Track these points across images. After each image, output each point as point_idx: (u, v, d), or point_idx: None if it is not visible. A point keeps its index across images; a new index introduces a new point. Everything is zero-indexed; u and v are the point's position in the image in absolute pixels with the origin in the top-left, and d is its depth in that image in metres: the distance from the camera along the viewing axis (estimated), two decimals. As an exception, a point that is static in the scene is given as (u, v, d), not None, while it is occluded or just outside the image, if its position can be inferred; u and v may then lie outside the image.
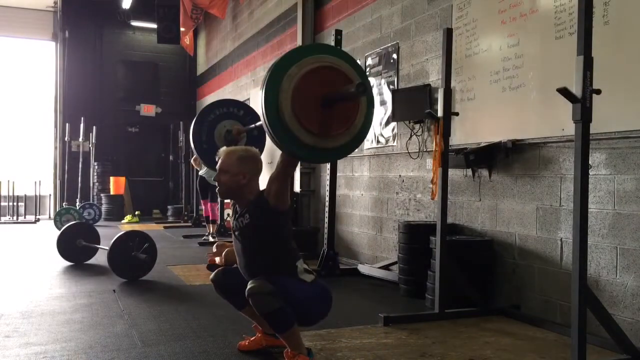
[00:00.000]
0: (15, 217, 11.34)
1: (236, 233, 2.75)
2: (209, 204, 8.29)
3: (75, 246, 5.79)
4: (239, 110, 5.24)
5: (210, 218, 8.27)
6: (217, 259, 5.75)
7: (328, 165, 5.48)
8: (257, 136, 5.10)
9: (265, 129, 2.42)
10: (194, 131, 5.07)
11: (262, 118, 2.44)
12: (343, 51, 2.75)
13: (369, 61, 5.80)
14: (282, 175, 2.57)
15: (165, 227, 10.08)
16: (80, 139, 11.68)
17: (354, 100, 2.45)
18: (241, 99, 9.99)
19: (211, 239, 8.01)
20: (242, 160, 2.70)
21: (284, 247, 2.67)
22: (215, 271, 2.91)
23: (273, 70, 2.39)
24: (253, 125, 4.90)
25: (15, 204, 11.43)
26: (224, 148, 2.83)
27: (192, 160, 9.02)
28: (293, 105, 2.33)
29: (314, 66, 2.40)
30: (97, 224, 9.58)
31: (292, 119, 2.34)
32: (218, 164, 2.74)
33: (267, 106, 2.35)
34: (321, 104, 2.39)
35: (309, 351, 2.66)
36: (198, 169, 8.78)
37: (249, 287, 2.51)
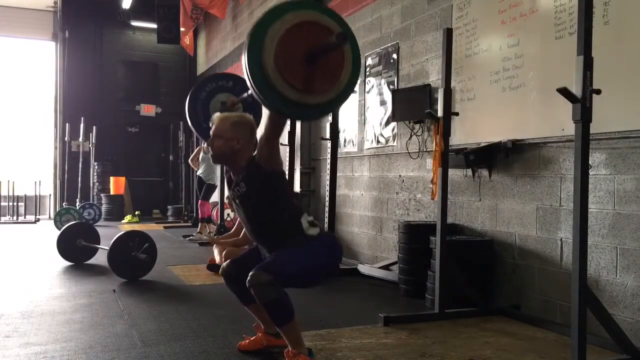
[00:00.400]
0: (15, 217, 11.34)
1: (236, 201, 2.74)
2: (207, 204, 8.38)
3: (75, 246, 5.78)
4: (228, 81, 5.22)
5: (201, 216, 8.32)
6: (217, 259, 5.76)
7: (328, 165, 5.48)
8: (252, 104, 5.08)
9: (250, 86, 2.39)
10: (190, 113, 5.05)
11: (246, 75, 2.40)
12: (326, 7, 2.69)
13: (369, 61, 5.80)
14: (270, 137, 2.56)
15: (165, 227, 10.08)
16: (80, 139, 11.68)
17: (336, 52, 2.42)
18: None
19: (194, 236, 8.10)
20: (235, 125, 2.70)
21: (285, 207, 2.68)
22: (226, 263, 2.88)
23: (255, 28, 2.38)
24: (246, 94, 4.87)
25: (15, 204, 11.43)
26: (217, 114, 2.80)
27: (190, 161, 9.02)
28: (276, 61, 2.31)
29: (296, 22, 2.38)
30: (97, 224, 9.58)
31: (276, 74, 2.31)
32: (212, 130, 2.73)
33: (250, 63, 2.32)
34: (305, 60, 2.37)
35: (310, 351, 2.66)
36: (196, 169, 8.81)
37: (248, 279, 2.51)
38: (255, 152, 2.68)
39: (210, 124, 2.80)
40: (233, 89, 5.05)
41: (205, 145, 8.24)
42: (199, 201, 8.42)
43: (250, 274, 2.52)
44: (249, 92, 4.43)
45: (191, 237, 8.06)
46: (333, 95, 2.47)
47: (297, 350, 2.60)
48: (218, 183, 8.46)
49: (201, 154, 8.45)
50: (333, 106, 2.59)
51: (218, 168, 8.31)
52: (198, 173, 8.48)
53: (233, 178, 2.76)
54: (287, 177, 2.81)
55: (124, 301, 4.12)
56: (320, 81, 2.41)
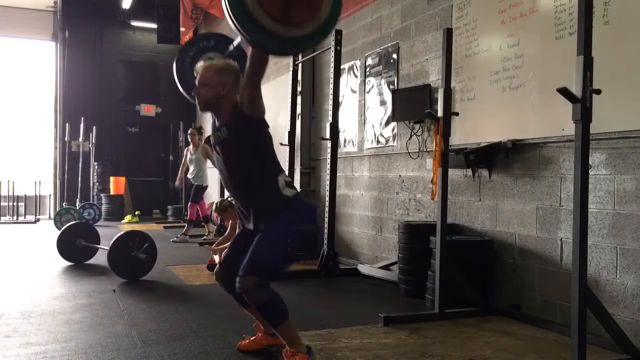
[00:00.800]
0: (15, 217, 11.33)
1: (217, 148, 2.71)
2: (204, 204, 8.32)
3: (75, 246, 5.78)
4: (209, 41, 5.15)
5: (189, 218, 8.24)
6: (217, 259, 5.77)
7: (328, 165, 5.48)
8: (238, 56, 5.01)
9: (229, 19, 2.36)
10: (180, 82, 5.00)
11: (224, 7, 2.36)
12: None
13: (369, 61, 5.81)
14: (251, 76, 2.51)
15: (165, 227, 10.08)
16: (80, 139, 11.68)
17: None
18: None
19: (178, 237, 7.96)
20: (220, 71, 2.66)
21: (264, 159, 2.66)
22: (217, 267, 2.89)
23: None
24: (231, 47, 4.81)
25: (15, 204, 11.42)
26: (200, 63, 2.76)
27: (179, 178, 8.86)
28: None
29: None
30: (97, 224, 9.57)
31: (254, 3, 2.29)
32: (197, 79, 2.69)
33: None
34: None
35: (309, 349, 2.66)
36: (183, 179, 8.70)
37: (237, 285, 2.53)
38: (239, 97, 2.64)
39: (195, 74, 2.74)
40: (217, 47, 4.94)
41: (192, 146, 8.19)
42: (189, 203, 8.31)
43: (238, 279, 2.53)
44: (235, 43, 4.37)
45: (174, 239, 7.93)
46: (313, 28, 2.45)
47: (295, 349, 2.60)
48: (208, 183, 8.34)
49: (189, 155, 8.33)
50: (313, 40, 2.55)
51: (205, 169, 8.18)
52: (188, 175, 8.41)
53: (217, 123, 2.73)
54: (270, 132, 2.74)
55: (124, 301, 4.12)
56: (300, 12, 2.38)
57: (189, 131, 8.46)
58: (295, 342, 2.62)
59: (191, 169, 8.26)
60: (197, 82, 2.70)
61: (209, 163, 8.10)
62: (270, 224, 2.61)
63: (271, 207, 2.61)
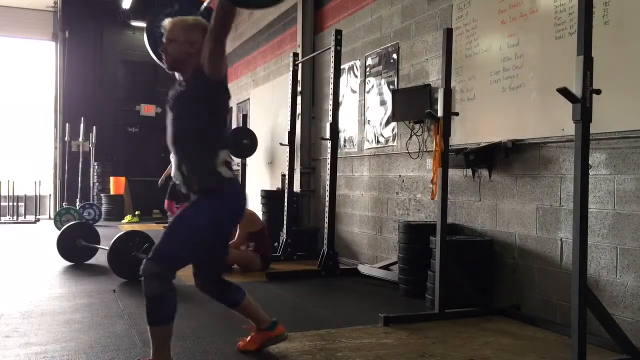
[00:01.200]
0: (15, 217, 11.34)
1: (170, 102, 2.60)
2: (174, 206, 7.91)
3: (75, 246, 5.79)
4: (173, 5, 5.10)
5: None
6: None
7: (328, 165, 5.48)
8: (208, 17, 4.94)
9: None
10: (157, 55, 4.92)
11: None
12: None
13: (369, 61, 5.81)
14: (216, 33, 2.39)
15: (165, 227, 10.05)
16: (80, 139, 11.68)
17: None
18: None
19: None
20: (188, 28, 2.55)
21: (212, 126, 2.54)
22: (194, 280, 2.80)
23: None
24: (202, 8, 4.72)
25: (15, 204, 11.42)
26: (168, 19, 2.63)
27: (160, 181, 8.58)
28: None
29: None
30: (97, 224, 9.57)
31: None
32: (164, 35, 2.58)
33: None
34: None
35: None
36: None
37: (141, 266, 2.43)
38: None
39: (162, 31, 2.63)
40: (183, 11, 4.84)
41: None
42: (174, 205, 7.92)
43: (144, 261, 2.43)
44: (203, 5, 4.32)
45: None
46: None
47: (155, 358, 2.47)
48: None
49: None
50: None
51: None
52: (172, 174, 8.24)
53: (179, 79, 2.64)
54: (229, 101, 2.65)
55: (124, 301, 4.12)
56: None
57: None
58: (159, 352, 2.47)
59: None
60: (164, 39, 2.58)
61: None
62: (201, 200, 2.51)
63: (205, 178, 2.51)
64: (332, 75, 5.52)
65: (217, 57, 2.46)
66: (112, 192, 11.99)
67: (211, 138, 2.54)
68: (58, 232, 6.14)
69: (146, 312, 2.46)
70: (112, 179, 12.12)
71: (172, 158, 2.62)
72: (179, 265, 2.51)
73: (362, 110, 5.94)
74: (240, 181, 2.65)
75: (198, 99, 2.52)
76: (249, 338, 2.95)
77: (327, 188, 5.46)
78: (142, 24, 12.96)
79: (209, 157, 2.52)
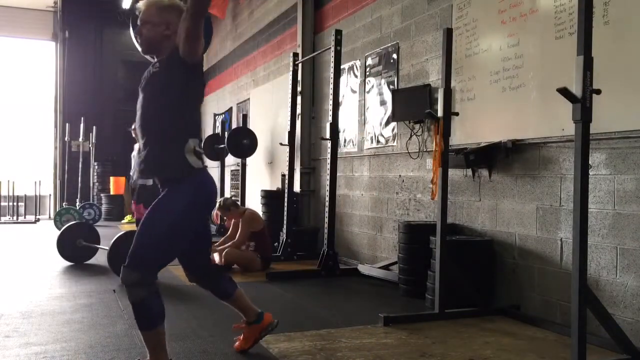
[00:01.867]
0: (15, 217, 11.34)
1: (142, 84, 2.51)
2: (142, 208, 7.32)
3: (75, 246, 5.79)
4: None
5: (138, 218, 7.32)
6: (217, 259, 5.76)
7: (328, 165, 5.48)
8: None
9: None
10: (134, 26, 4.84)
11: None
12: None
13: (369, 61, 5.81)
14: (192, 12, 2.26)
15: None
16: (80, 139, 11.68)
17: None
18: (241, 99, 10.00)
19: None
20: (164, 9, 2.45)
21: (181, 110, 2.41)
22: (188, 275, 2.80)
23: None
24: None
25: (15, 204, 11.43)
26: (143, 1, 2.54)
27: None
28: None
29: None
30: (97, 224, 9.57)
31: None
32: (139, 17, 2.50)
33: None
34: None
35: None
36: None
37: (121, 275, 2.37)
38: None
39: (137, 13, 2.55)
40: None
41: (137, 144, 7.48)
42: (133, 204, 7.34)
43: (122, 269, 2.35)
44: None
45: None
46: None
47: None
48: (147, 182, 7.22)
49: (134, 152, 7.46)
50: None
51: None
52: (131, 173, 7.57)
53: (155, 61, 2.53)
54: (203, 87, 2.57)
55: (124, 301, 4.12)
56: None
57: (132, 126, 7.61)
58: (156, 354, 2.45)
59: (133, 167, 7.32)
60: (139, 21, 2.49)
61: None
62: (170, 191, 2.39)
63: (170, 166, 2.39)
64: (332, 75, 5.52)
65: (193, 38, 2.32)
66: (112, 192, 12.00)
67: (181, 123, 2.41)
68: (58, 232, 6.14)
69: (135, 319, 2.42)
70: (112, 179, 12.12)
71: (139, 143, 2.49)
72: (157, 266, 2.42)
73: (362, 110, 5.94)
74: (206, 172, 2.52)
75: (171, 80, 2.39)
76: (242, 336, 2.94)
77: (327, 188, 5.46)
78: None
79: (177, 144, 2.39)
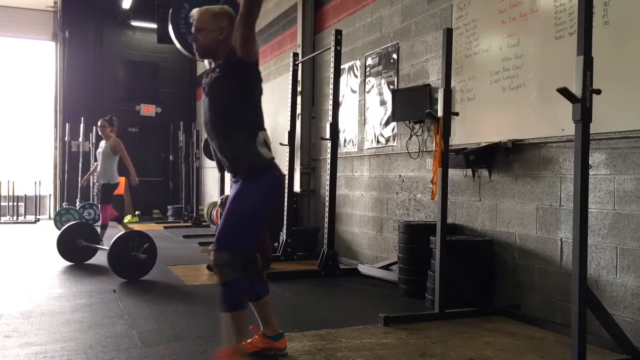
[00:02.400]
0: (15, 217, 11.33)
1: (205, 89, 2.69)
2: (107, 207, 7.16)
3: (75, 246, 5.79)
4: None
5: (102, 222, 7.06)
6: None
7: (328, 165, 5.48)
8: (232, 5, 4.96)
9: None
10: (177, 36, 4.87)
11: None
12: None
13: (369, 61, 5.80)
14: (245, 16, 2.47)
15: (165, 227, 10.09)
16: (80, 139, 11.68)
17: None
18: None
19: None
20: (216, 16, 2.64)
21: (247, 106, 2.62)
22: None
23: None
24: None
25: (15, 204, 11.42)
26: (195, 9, 2.72)
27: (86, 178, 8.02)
28: None
29: None
30: (97, 224, 9.56)
31: None
32: (193, 24, 2.67)
33: None
34: None
35: (240, 349, 2.58)
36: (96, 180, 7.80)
37: (212, 257, 2.51)
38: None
39: (190, 20, 2.73)
40: (203, 2, 4.86)
41: (103, 141, 7.25)
42: (100, 206, 7.22)
43: (213, 252, 2.50)
44: None
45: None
46: None
47: (227, 349, 2.53)
48: (117, 181, 7.31)
49: (99, 149, 7.34)
50: None
51: (115, 165, 7.23)
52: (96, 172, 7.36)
53: (213, 66, 2.71)
54: (261, 83, 2.73)
55: (124, 301, 4.12)
56: None
57: (99, 122, 7.37)
58: (234, 340, 2.53)
59: (99, 164, 7.24)
60: (193, 29, 2.67)
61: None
62: (247, 181, 2.57)
63: (247, 160, 2.58)
64: (332, 75, 5.52)
65: (249, 40, 2.53)
66: (112, 192, 11.98)
67: (250, 119, 2.62)
68: (58, 232, 6.14)
69: (221, 300, 2.53)
70: (112, 179, 12.10)
71: (212, 144, 2.68)
72: (244, 248, 2.56)
73: (362, 110, 5.94)
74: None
75: (233, 82, 2.59)
76: (250, 340, 2.92)
77: (327, 188, 5.46)
78: (142, 24, 12.98)
79: (249, 138, 2.58)
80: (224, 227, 2.54)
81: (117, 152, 7.20)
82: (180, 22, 4.89)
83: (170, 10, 4.94)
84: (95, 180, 7.79)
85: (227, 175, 10.00)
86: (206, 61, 2.89)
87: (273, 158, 2.67)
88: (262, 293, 2.85)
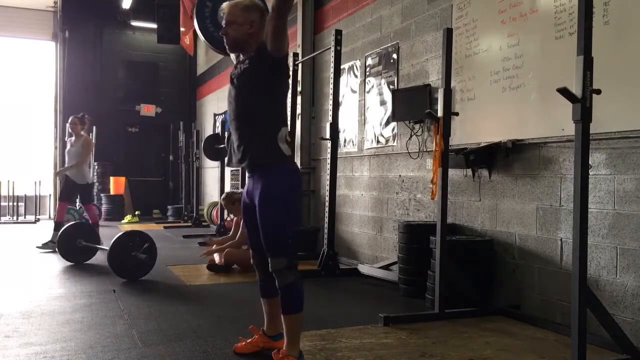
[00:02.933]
0: (15, 217, 11.34)
1: (234, 80, 2.71)
2: (65, 206, 7.03)
3: (75, 246, 5.79)
4: None
5: (58, 219, 6.86)
6: (217, 259, 5.76)
7: (328, 165, 5.48)
8: None
9: None
10: (204, 34, 4.88)
11: None
12: None
13: (369, 61, 5.80)
14: (277, 11, 2.48)
15: (165, 227, 10.08)
16: (80, 139, 11.66)
17: None
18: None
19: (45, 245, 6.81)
20: (247, 9, 2.66)
21: (274, 101, 2.64)
22: (252, 253, 2.87)
23: None
24: None
25: (15, 204, 11.43)
26: (225, 3, 2.76)
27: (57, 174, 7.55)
28: None
29: None
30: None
31: None
32: (224, 18, 2.71)
33: None
34: None
35: (301, 354, 2.64)
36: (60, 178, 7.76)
37: (270, 265, 2.57)
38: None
39: (221, 14, 2.77)
40: None
41: (73, 137, 7.07)
42: (59, 203, 6.98)
43: (270, 260, 2.57)
44: None
45: (38, 246, 6.86)
46: None
47: (289, 351, 2.58)
48: (88, 181, 7.12)
49: (68, 147, 7.19)
50: None
51: (88, 163, 7.09)
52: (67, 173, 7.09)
53: (241, 58, 2.74)
54: (289, 79, 2.78)
55: (124, 301, 4.12)
56: None
57: (70, 120, 7.18)
58: (293, 343, 2.60)
59: (68, 163, 7.08)
60: (224, 22, 2.70)
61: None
62: (269, 181, 2.58)
63: (267, 155, 2.59)
64: (332, 75, 5.52)
65: (280, 35, 2.54)
66: (112, 192, 12.00)
67: (274, 113, 2.63)
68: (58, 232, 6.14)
69: (282, 303, 2.61)
70: (112, 179, 12.12)
71: (233, 135, 2.70)
72: (293, 248, 2.63)
73: (362, 110, 5.94)
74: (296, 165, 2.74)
75: (261, 75, 2.60)
76: (250, 340, 2.93)
77: (327, 188, 5.46)
78: (142, 24, 12.97)
79: (271, 133, 2.59)
80: (269, 235, 2.57)
81: (86, 150, 7.03)
82: (206, 21, 4.90)
83: (195, 9, 4.95)
84: (62, 179, 7.47)
85: (227, 176, 10.01)
86: (232, 55, 2.91)
87: (292, 155, 2.69)
88: (275, 292, 2.82)
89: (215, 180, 10.76)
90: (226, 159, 2.79)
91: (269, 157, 2.59)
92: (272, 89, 2.63)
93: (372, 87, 5.74)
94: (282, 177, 2.59)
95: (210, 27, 4.90)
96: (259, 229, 2.62)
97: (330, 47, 5.59)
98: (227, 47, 2.76)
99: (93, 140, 8.03)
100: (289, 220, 2.61)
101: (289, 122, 5.53)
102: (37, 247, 6.85)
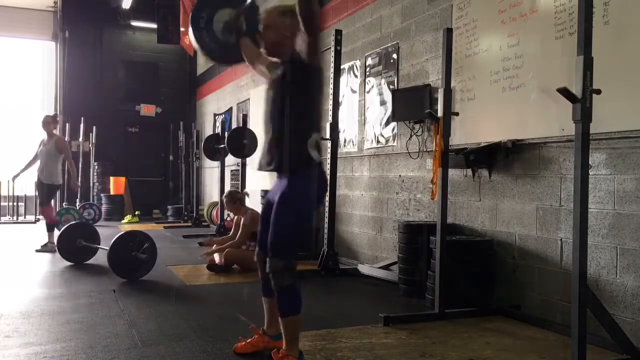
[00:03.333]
0: (15, 217, 11.34)
1: (271, 82, 2.77)
2: (48, 209, 7.03)
3: (75, 246, 5.79)
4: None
5: (49, 222, 6.90)
6: (217, 259, 5.76)
7: (328, 165, 5.48)
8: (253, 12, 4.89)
9: None
10: (201, 45, 4.90)
11: None
12: None
13: (369, 61, 5.80)
14: (307, 29, 2.53)
15: (165, 227, 10.08)
16: (80, 139, 11.68)
17: None
18: (241, 99, 10.01)
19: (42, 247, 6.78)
20: (284, 13, 2.73)
21: (307, 108, 2.66)
22: (257, 250, 2.87)
23: None
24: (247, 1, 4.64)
25: (15, 204, 11.43)
26: (265, 7, 2.85)
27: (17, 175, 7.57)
28: None
29: None
30: (97, 224, 9.57)
31: None
32: (262, 22, 2.79)
33: None
34: None
35: (301, 354, 2.64)
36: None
37: (267, 265, 2.58)
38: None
39: (259, 16, 2.88)
40: (226, 2, 4.72)
41: (46, 137, 7.03)
42: (40, 208, 6.89)
43: (268, 259, 2.57)
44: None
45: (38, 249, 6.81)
46: None
47: (288, 351, 2.58)
48: (60, 182, 7.15)
49: (40, 147, 7.06)
50: None
51: (59, 165, 7.05)
52: (37, 171, 7.04)
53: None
54: (323, 87, 2.84)
55: (124, 301, 4.12)
56: None
57: (43, 119, 7.09)
58: (292, 343, 2.60)
59: (40, 164, 6.96)
60: (261, 27, 2.78)
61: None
62: (291, 183, 2.59)
63: (295, 160, 2.60)
64: (332, 75, 5.52)
65: (314, 47, 2.60)
66: (112, 192, 12.00)
67: (306, 120, 2.65)
68: (58, 232, 6.14)
69: (278, 305, 2.60)
70: (112, 179, 12.13)
71: (265, 137, 2.73)
72: (296, 251, 2.65)
73: (362, 110, 5.94)
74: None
75: (296, 80, 2.63)
76: (249, 340, 2.93)
77: (327, 188, 5.45)
78: (142, 24, 12.98)
79: (302, 139, 2.61)
80: (274, 234, 2.58)
81: (62, 151, 7.00)
82: (202, 32, 4.86)
83: (191, 23, 4.89)
84: (12, 178, 7.60)
85: (227, 176, 10.00)
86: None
87: (321, 162, 2.69)
88: None
89: (215, 180, 10.77)
90: (256, 165, 2.80)
91: (298, 162, 2.61)
92: (306, 94, 2.66)
93: (372, 87, 5.74)
94: (305, 182, 2.61)
95: (206, 37, 4.86)
96: (270, 226, 2.62)
97: (330, 47, 5.59)
98: (265, 51, 2.82)
99: (67, 138, 7.93)
100: (299, 225, 2.62)
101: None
102: (37, 250, 6.79)
